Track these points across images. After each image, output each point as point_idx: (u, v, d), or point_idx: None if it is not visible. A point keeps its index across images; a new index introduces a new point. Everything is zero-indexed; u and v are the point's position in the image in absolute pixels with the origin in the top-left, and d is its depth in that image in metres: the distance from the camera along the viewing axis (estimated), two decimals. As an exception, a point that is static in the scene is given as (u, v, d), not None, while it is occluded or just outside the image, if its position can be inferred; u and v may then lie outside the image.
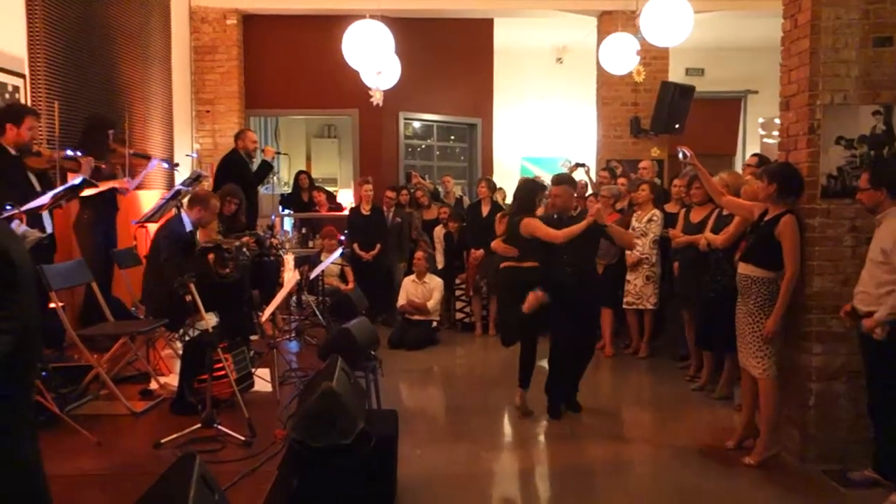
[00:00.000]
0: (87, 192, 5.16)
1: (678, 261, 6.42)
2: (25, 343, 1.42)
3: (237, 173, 7.54)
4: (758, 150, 11.36)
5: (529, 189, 5.74)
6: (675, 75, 10.10)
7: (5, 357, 1.32)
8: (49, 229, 4.94)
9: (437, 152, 11.43)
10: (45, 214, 4.75)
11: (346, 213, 9.39)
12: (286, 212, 10.04)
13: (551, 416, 5.42)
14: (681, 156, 5.04)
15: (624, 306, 7.25)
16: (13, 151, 4.89)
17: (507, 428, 5.45)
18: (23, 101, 5.71)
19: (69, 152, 5.36)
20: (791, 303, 4.38)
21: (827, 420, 4.44)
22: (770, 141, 11.55)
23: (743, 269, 4.56)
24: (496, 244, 5.69)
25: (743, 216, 4.99)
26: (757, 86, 12.26)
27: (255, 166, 8.01)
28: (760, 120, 12.52)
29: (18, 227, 3.47)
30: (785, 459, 4.58)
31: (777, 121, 5.01)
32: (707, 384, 6.10)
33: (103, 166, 5.74)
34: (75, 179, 4.61)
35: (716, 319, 5.39)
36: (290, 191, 10.56)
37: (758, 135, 12.54)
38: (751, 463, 4.49)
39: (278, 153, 8.63)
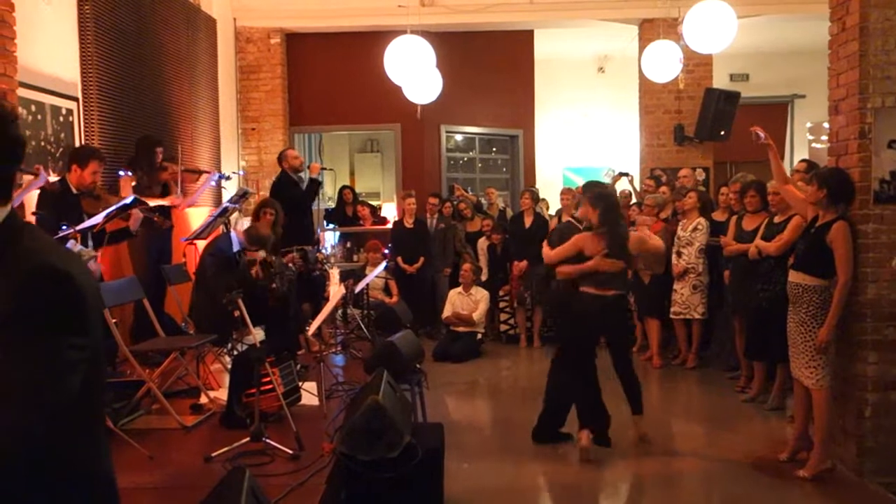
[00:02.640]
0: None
1: (730, 269, 6.32)
2: (98, 367, 1.46)
3: (288, 193, 7.66)
4: (806, 156, 11.18)
5: (613, 200, 5.18)
6: (720, 81, 9.97)
7: (80, 385, 1.36)
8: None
9: (479, 164, 11.44)
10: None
11: (389, 226, 9.45)
12: (330, 226, 10.14)
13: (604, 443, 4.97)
14: (754, 136, 4.86)
15: (671, 316, 7.15)
16: (74, 191, 5.04)
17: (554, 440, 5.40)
18: (75, 124, 5.88)
19: (120, 172, 5.50)
20: (844, 311, 4.28)
21: (884, 431, 4.32)
22: (819, 146, 11.33)
23: (794, 277, 4.46)
24: (600, 262, 4.79)
25: (799, 211, 4.88)
26: (804, 90, 12.03)
27: (304, 184, 8.11)
28: (808, 124, 12.29)
29: (74, 246, 3.57)
30: (840, 472, 4.45)
31: (826, 125, 4.91)
32: (758, 395, 5.98)
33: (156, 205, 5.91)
34: (126, 199, 4.73)
35: (767, 329, 5.28)
36: (334, 206, 10.67)
37: (806, 140, 12.30)
38: (805, 476, 4.37)
39: (324, 168, 8.74)
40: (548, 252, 5.02)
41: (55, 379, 1.29)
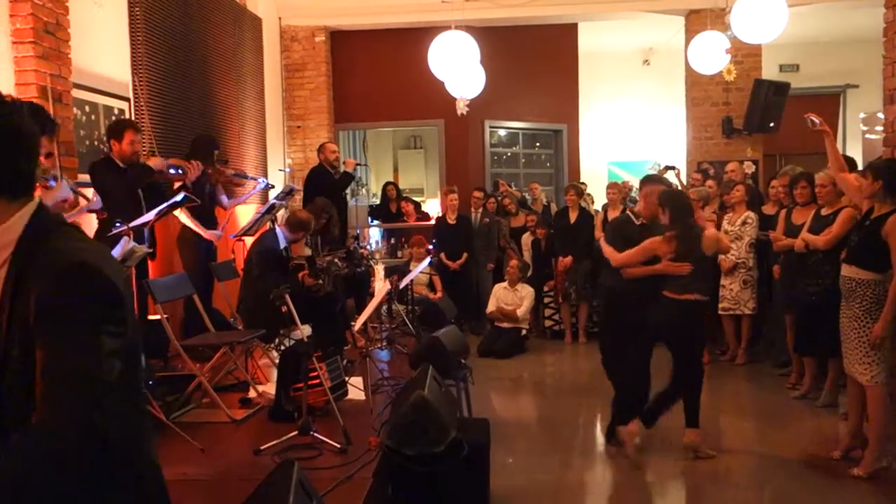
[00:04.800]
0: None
1: (780, 264, 6.20)
2: (136, 360, 1.49)
3: (321, 184, 7.86)
4: (859, 146, 10.90)
5: (678, 194, 5.07)
6: (769, 72, 9.76)
7: (123, 369, 1.39)
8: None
9: (523, 159, 11.39)
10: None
11: (432, 222, 9.48)
12: (374, 222, 10.21)
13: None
14: (809, 123, 4.74)
15: (720, 312, 7.04)
16: (121, 164, 5.13)
17: (600, 437, 5.35)
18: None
19: (172, 170, 5.60)
20: (900, 306, 4.16)
21: (943, 430, 4.20)
22: (873, 136, 11.01)
23: (847, 270, 4.36)
24: (667, 265, 4.64)
25: (855, 201, 4.75)
26: (857, 80, 11.72)
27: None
28: (862, 115, 11.96)
29: (127, 243, 3.65)
30: (897, 471, 4.35)
31: (880, 115, 4.78)
32: (809, 392, 5.86)
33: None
34: (177, 197, 4.81)
35: (817, 324, 5.16)
36: (378, 202, 10.74)
37: (859, 130, 11.98)
38: (860, 475, 4.27)
39: (359, 164, 8.83)
40: (614, 254, 4.76)
41: (97, 365, 1.33)
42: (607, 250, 4.82)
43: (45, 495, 1.28)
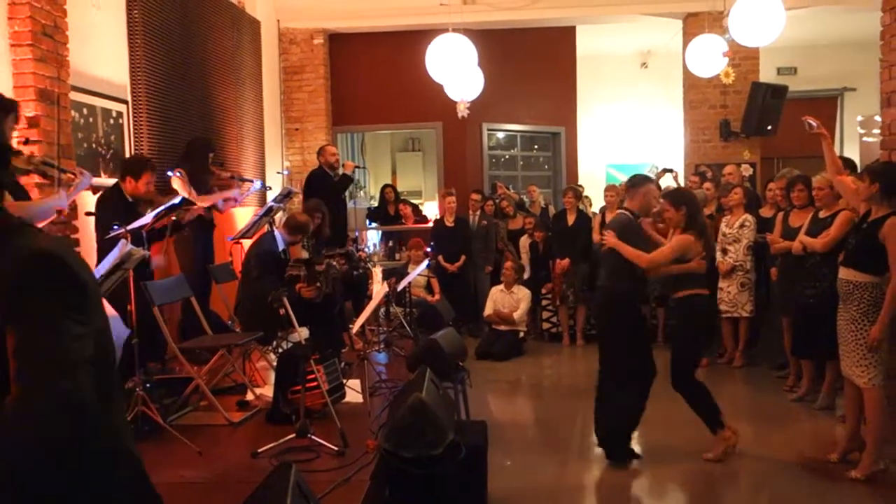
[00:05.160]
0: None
1: (777, 266, 6.21)
2: (105, 351, 1.52)
3: (320, 186, 7.88)
4: (857, 149, 10.91)
5: (690, 195, 5.10)
6: (766, 75, 9.79)
7: (93, 357, 1.43)
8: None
9: (521, 162, 11.39)
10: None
11: (430, 225, 9.48)
12: (373, 225, 10.21)
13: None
14: (807, 126, 4.74)
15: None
16: (129, 199, 5.11)
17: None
18: (125, 126, 6.01)
19: (169, 172, 5.60)
20: (898, 309, 4.16)
21: (940, 432, 4.20)
22: (870, 139, 11.03)
23: (844, 273, 4.36)
24: (701, 263, 4.71)
25: (853, 203, 4.76)
26: (854, 83, 11.74)
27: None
28: (859, 118, 11.98)
29: (125, 246, 3.65)
30: (893, 474, 4.34)
31: (878, 118, 4.79)
32: (807, 394, 5.86)
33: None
34: (175, 199, 4.82)
35: (814, 326, 5.17)
36: (376, 204, 10.74)
37: (857, 133, 12.00)
38: (857, 477, 4.27)
39: (357, 167, 8.85)
40: (642, 255, 4.63)
41: (65, 344, 1.38)
42: (631, 252, 4.63)
43: (23, 464, 1.31)
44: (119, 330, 4.09)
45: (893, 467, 4.37)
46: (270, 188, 7.89)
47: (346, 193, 8.57)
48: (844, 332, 4.37)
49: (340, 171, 8.27)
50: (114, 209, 4.91)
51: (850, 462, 4.45)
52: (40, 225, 4.33)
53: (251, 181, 7.10)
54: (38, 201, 4.11)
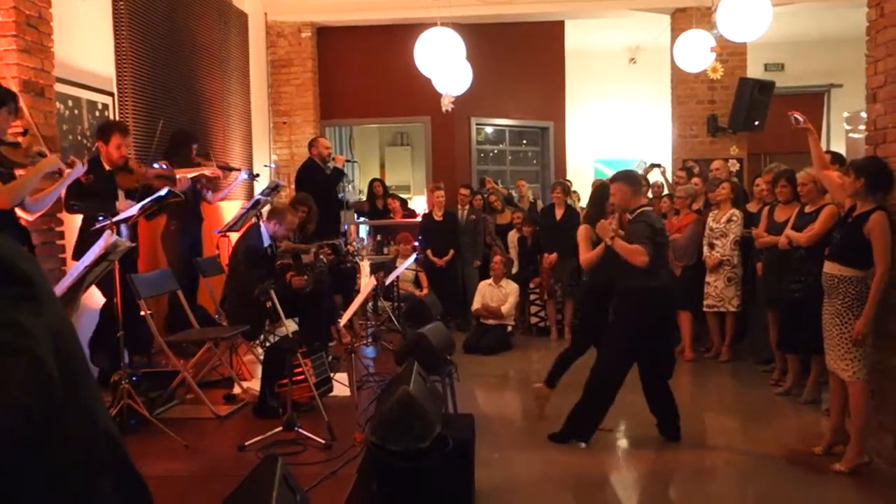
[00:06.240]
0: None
1: (762, 261, 6.24)
2: (67, 340, 1.49)
3: (312, 179, 7.82)
4: (843, 145, 10.99)
5: (598, 195, 5.52)
6: (754, 71, 9.81)
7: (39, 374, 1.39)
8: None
9: (510, 157, 11.40)
10: (124, 226, 4.90)
11: (419, 219, 9.47)
12: (361, 219, 10.19)
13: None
14: (793, 121, 4.77)
15: (704, 309, 7.08)
16: (107, 167, 5.08)
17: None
18: (111, 118, 5.95)
19: (155, 165, 5.56)
20: (882, 303, 4.20)
21: (923, 426, 4.24)
22: (856, 135, 11.10)
23: (829, 267, 4.39)
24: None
25: (838, 198, 4.79)
26: (840, 79, 11.80)
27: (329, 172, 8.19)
28: (845, 114, 12.06)
29: (110, 237, 3.62)
30: (878, 467, 4.38)
31: (863, 114, 4.82)
32: (792, 388, 5.90)
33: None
34: (161, 191, 4.78)
35: (799, 321, 5.20)
36: (364, 199, 10.72)
37: (843, 129, 12.08)
38: (841, 470, 4.31)
39: (348, 161, 8.82)
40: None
41: (22, 325, 1.35)
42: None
43: None
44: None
45: (877, 460, 4.41)
46: (259, 175, 7.83)
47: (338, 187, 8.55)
48: (829, 325, 4.40)
49: (332, 165, 8.25)
50: (83, 189, 4.81)
51: (835, 455, 4.49)
52: (37, 215, 4.33)
53: (238, 170, 7.06)
54: (42, 193, 4.17)
